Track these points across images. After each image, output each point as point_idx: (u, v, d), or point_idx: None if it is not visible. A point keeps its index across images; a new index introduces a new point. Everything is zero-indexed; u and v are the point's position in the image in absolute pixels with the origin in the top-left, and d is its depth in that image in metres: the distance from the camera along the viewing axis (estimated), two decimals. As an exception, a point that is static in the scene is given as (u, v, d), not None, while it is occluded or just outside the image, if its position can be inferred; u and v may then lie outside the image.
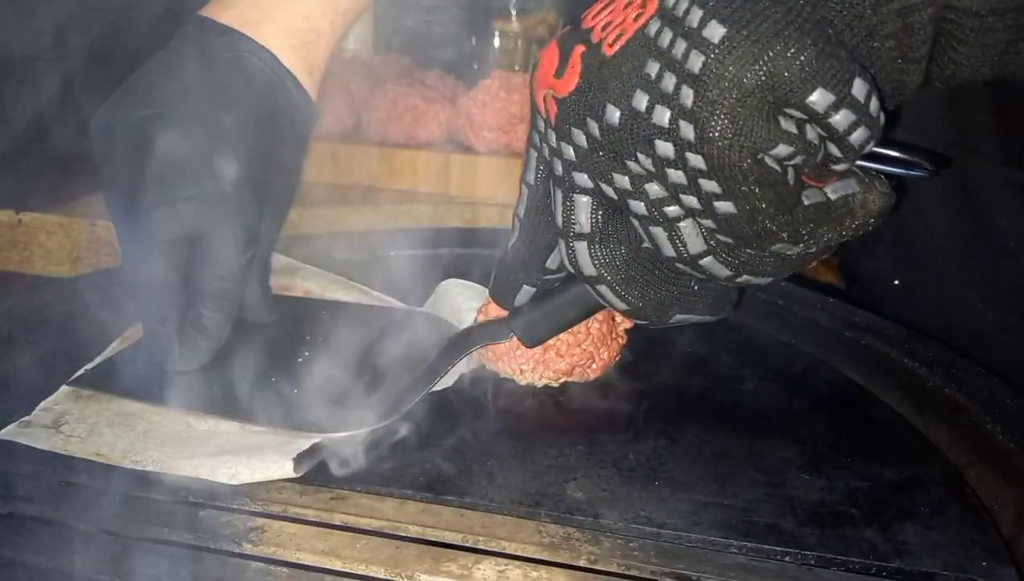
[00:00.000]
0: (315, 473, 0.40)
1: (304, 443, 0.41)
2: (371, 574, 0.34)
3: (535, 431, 0.46)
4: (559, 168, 0.35)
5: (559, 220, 0.36)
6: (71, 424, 0.43)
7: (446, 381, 0.48)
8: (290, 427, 0.42)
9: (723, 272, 0.34)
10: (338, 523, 0.36)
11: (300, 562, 0.34)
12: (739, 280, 0.35)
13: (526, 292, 0.42)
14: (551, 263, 0.41)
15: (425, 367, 0.45)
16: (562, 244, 0.37)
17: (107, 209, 0.47)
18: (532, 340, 0.44)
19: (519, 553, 0.35)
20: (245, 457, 0.40)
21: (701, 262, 0.34)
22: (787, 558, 0.36)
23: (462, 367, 0.50)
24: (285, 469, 0.39)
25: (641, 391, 0.50)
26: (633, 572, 0.34)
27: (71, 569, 0.33)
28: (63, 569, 0.33)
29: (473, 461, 0.41)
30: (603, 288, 0.37)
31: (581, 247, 0.36)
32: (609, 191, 0.34)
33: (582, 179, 0.34)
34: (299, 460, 0.39)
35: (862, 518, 0.38)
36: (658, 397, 0.49)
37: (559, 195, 0.36)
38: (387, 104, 0.90)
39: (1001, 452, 0.42)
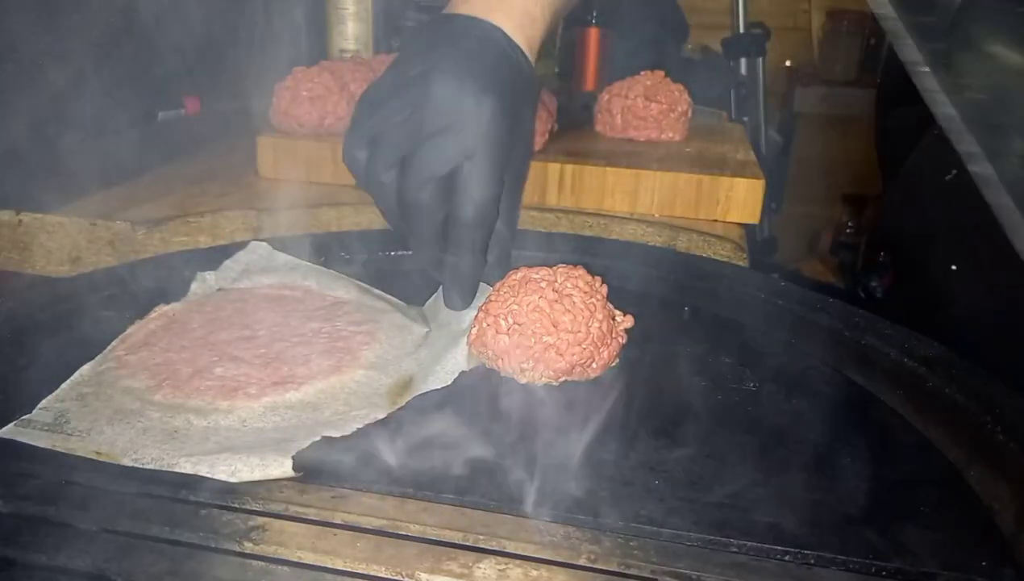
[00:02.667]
0: (315, 472, 0.40)
1: (304, 442, 0.41)
2: (372, 573, 0.34)
3: (535, 431, 0.46)
4: None
5: None
6: (71, 423, 0.43)
7: (445, 379, 0.48)
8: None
9: None
10: (339, 522, 0.36)
11: (301, 561, 0.34)
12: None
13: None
14: None
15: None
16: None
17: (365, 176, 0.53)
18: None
19: (519, 552, 0.35)
20: (244, 455, 0.40)
21: None
22: (787, 558, 0.36)
23: (462, 365, 0.50)
24: (284, 468, 0.39)
25: (641, 391, 0.50)
26: (633, 571, 0.34)
27: (72, 568, 0.33)
28: (64, 568, 0.33)
29: (473, 460, 0.41)
30: None
31: None
32: None
33: None
34: (298, 459, 0.40)
35: (862, 518, 0.39)
36: (658, 396, 0.50)
37: None
38: (387, 104, 0.90)
39: (1001, 452, 0.42)
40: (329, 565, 0.34)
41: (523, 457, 0.42)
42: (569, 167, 0.83)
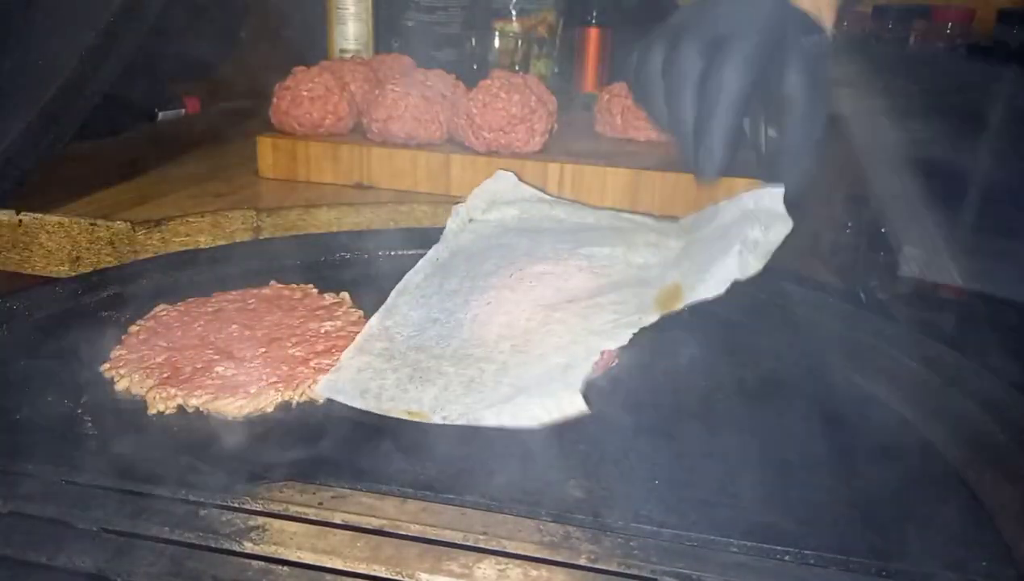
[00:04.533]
0: (316, 472, 0.40)
1: (584, 363, 0.43)
2: (372, 573, 0.34)
3: (535, 430, 0.46)
4: None
5: None
6: (376, 381, 0.46)
7: (717, 288, 0.48)
8: None
9: None
10: (339, 522, 0.36)
11: (301, 561, 0.34)
12: None
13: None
14: None
15: None
16: None
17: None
18: None
19: (519, 552, 0.35)
20: (538, 398, 0.42)
21: None
22: (787, 558, 0.36)
23: (734, 273, 0.49)
24: (576, 404, 0.42)
25: (641, 391, 0.50)
26: (633, 571, 0.34)
27: (72, 568, 0.33)
28: (64, 568, 0.33)
29: (473, 460, 0.41)
30: None
31: None
32: None
33: None
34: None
35: (862, 518, 0.39)
36: (658, 397, 0.49)
37: None
38: (387, 104, 0.90)
39: (1001, 452, 0.42)
40: (328, 565, 0.34)
41: (523, 457, 0.42)
42: (569, 167, 0.83)
